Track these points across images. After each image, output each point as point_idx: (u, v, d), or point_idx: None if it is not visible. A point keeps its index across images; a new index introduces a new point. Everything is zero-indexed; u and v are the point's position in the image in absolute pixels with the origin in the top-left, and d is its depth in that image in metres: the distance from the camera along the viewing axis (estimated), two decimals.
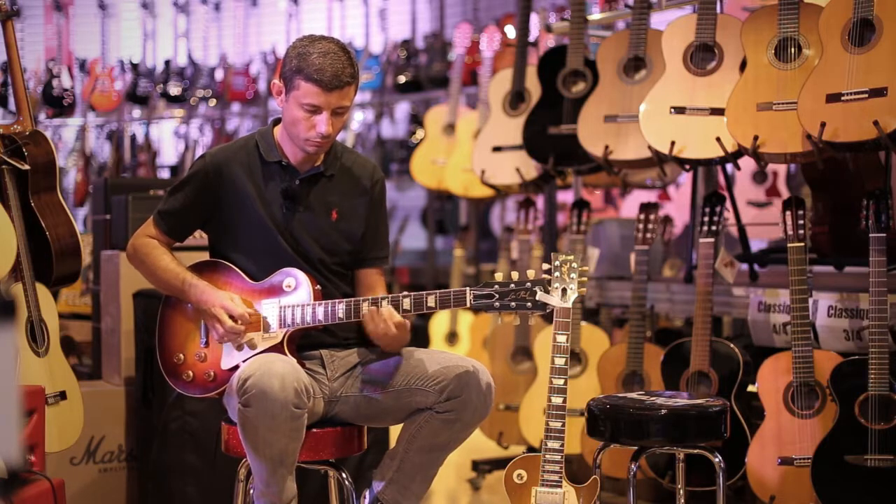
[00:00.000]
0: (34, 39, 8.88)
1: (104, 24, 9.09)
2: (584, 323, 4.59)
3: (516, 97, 4.91)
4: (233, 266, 3.10)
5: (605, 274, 4.93)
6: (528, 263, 5.02)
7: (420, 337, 6.60)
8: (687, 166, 4.15)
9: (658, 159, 4.00)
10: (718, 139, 3.79)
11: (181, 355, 3.09)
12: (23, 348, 3.35)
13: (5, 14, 3.55)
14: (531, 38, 5.57)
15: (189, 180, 3.12)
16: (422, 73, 7.98)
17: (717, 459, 3.19)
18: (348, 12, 8.75)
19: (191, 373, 3.07)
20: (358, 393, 3.05)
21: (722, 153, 3.81)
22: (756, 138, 3.64)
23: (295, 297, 3.01)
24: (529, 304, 2.85)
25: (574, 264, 2.95)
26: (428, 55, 8.01)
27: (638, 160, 4.18)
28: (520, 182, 4.80)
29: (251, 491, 2.99)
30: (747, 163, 4.91)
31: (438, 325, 6.65)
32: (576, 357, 4.50)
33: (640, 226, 4.21)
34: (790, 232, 3.65)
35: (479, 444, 5.00)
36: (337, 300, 2.99)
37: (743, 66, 3.81)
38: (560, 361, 3.01)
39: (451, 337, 6.62)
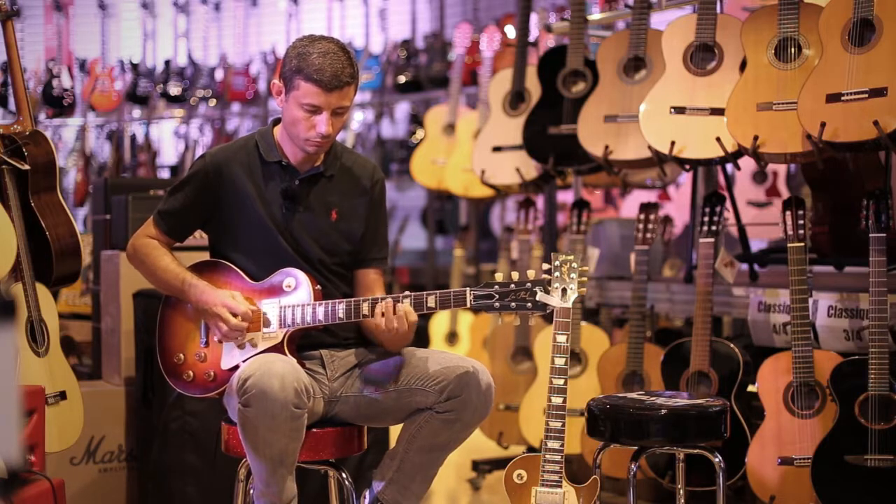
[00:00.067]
0: (34, 39, 8.88)
1: (104, 24, 9.09)
2: (584, 323, 4.59)
3: (516, 97, 4.91)
4: (233, 266, 3.10)
5: (605, 274, 4.93)
6: (528, 263, 5.02)
7: (420, 337, 6.57)
8: (687, 166, 4.15)
9: (658, 159, 4.00)
10: (718, 139, 3.79)
11: (181, 355, 3.09)
12: (23, 348, 3.35)
13: (5, 14, 3.55)
14: (531, 38, 5.57)
15: (189, 180, 3.12)
16: (422, 73, 7.97)
17: (717, 459, 3.19)
18: (348, 12, 8.75)
19: (191, 373, 3.07)
20: (358, 393, 3.05)
21: (722, 153, 3.81)
22: (756, 138, 3.64)
23: (295, 297, 3.01)
24: (529, 304, 2.85)
25: (574, 264, 2.95)
26: (428, 55, 8.01)
27: (638, 160, 4.18)
28: (520, 182, 4.80)
29: (251, 491, 2.99)
30: (747, 163, 4.91)
31: (438, 325, 6.65)
32: (576, 357, 4.50)
33: (640, 226, 4.21)
34: (790, 232, 3.65)
35: (479, 444, 5.00)
36: (337, 300, 2.99)
37: (743, 66, 3.81)
38: (560, 361, 3.01)
39: (451, 337, 6.63)
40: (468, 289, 2.88)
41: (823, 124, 3.44)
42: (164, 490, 3.88)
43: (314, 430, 2.97)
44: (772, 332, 3.95)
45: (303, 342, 3.07)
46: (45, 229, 3.52)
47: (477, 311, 4.86)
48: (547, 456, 3.01)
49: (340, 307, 2.97)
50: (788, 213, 3.67)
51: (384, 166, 7.96)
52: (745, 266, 4.23)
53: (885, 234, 3.49)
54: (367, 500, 3.06)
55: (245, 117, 9.05)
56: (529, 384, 4.75)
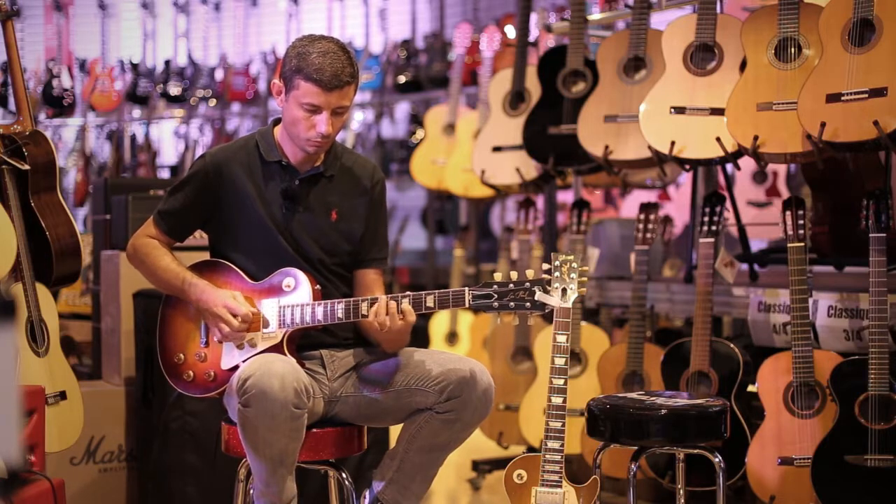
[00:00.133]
0: (34, 39, 8.88)
1: (104, 24, 9.09)
2: (584, 323, 4.59)
3: (516, 97, 4.91)
4: (233, 266, 3.10)
5: (605, 274, 4.93)
6: (528, 263, 5.02)
7: (420, 337, 6.60)
8: (687, 166, 4.15)
9: (658, 159, 4.00)
10: (718, 139, 3.79)
11: (181, 355, 3.09)
12: (23, 348, 3.35)
13: (5, 14, 3.55)
14: (531, 38, 5.57)
15: (189, 180, 3.12)
16: (422, 73, 7.97)
17: (717, 459, 3.19)
18: (348, 12, 8.75)
19: (191, 373, 3.07)
20: (358, 393, 3.05)
21: (722, 153, 3.81)
22: (756, 138, 3.64)
23: (295, 297, 3.01)
24: (528, 304, 2.85)
25: (574, 264, 2.95)
26: (428, 55, 8.01)
27: (638, 160, 4.18)
28: (520, 182, 4.80)
29: (251, 491, 2.99)
30: (747, 163, 4.91)
31: (438, 325, 6.65)
32: (576, 357, 4.50)
33: (640, 226, 4.21)
34: (790, 232, 3.65)
35: (479, 444, 5.00)
36: (336, 300, 2.99)
37: (743, 66, 3.81)
38: (560, 361, 3.01)
39: (451, 337, 6.63)
40: (467, 289, 2.88)
41: (823, 124, 3.44)
42: (164, 490, 3.88)
43: (314, 430, 2.97)
44: (772, 332, 3.95)
45: (303, 342, 3.07)
46: (45, 229, 3.52)
47: (476, 311, 4.85)
48: (547, 456, 3.01)
49: (339, 307, 2.97)
50: (788, 213, 3.67)
51: (384, 166, 7.96)
52: (745, 266, 4.23)
53: (885, 234, 3.49)
54: (367, 500, 3.06)
55: (245, 117, 9.05)
56: (529, 384, 4.75)
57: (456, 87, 7.24)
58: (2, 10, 3.54)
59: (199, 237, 3.31)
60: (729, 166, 4.33)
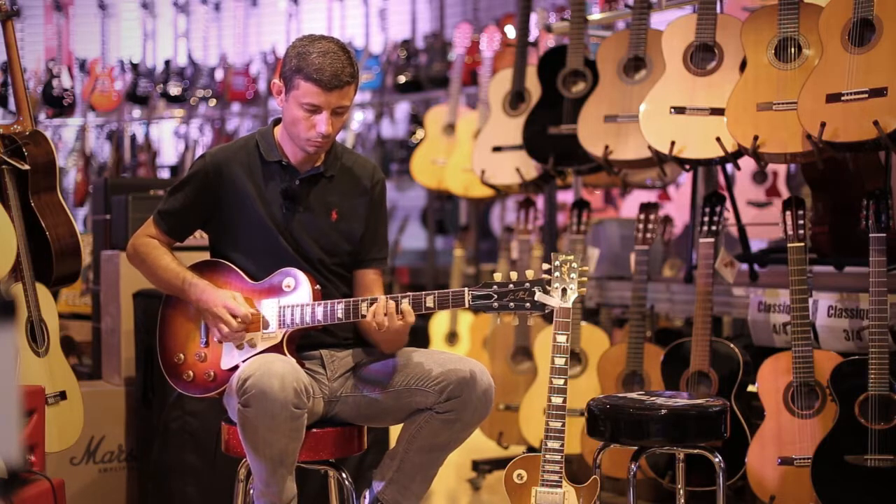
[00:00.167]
0: (34, 39, 8.89)
1: (104, 24, 9.09)
2: (584, 323, 4.59)
3: (516, 97, 4.91)
4: (233, 266, 3.10)
5: (605, 274, 4.93)
6: (528, 263, 5.02)
7: (420, 337, 6.60)
8: (687, 166, 4.15)
9: (658, 159, 4.00)
10: (718, 139, 3.79)
11: (181, 355, 3.09)
12: (23, 348, 3.35)
13: (5, 14, 3.55)
14: (531, 38, 5.57)
15: (189, 180, 3.12)
16: (422, 73, 7.97)
17: (717, 459, 3.19)
18: (348, 12, 8.75)
19: (191, 373, 3.07)
20: (358, 393, 3.05)
21: (722, 153, 3.81)
22: (756, 138, 3.64)
23: (294, 297, 3.01)
24: (528, 304, 2.84)
25: (574, 264, 2.94)
26: (428, 55, 8.01)
27: (638, 160, 4.18)
28: (520, 182, 4.80)
29: (251, 491, 2.99)
30: (747, 163, 4.91)
31: (438, 325, 6.65)
32: (576, 357, 4.50)
33: (640, 226, 4.21)
34: (790, 232, 3.65)
35: (479, 444, 5.00)
36: (336, 300, 2.99)
37: (743, 66, 3.81)
38: (560, 361, 3.01)
39: (451, 337, 6.63)
40: (466, 289, 2.88)
41: (823, 124, 3.44)
42: (164, 490, 3.88)
43: (314, 430, 2.97)
44: (772, 332, 3.95)
45: (302, 342, 3.07)
46: (45, 229, 3.52)
47: (476, 312, 4.86)
48: (547, 456, 3.01)
49: (339, 307, 2.97)
50: (788, 213, 3.67)
51: (384, 166, 7.96)
52: (745, 266, 4.23)
53: (885, 234, 3.49)
54: (367, 500, 3.06)
55: (245, 117, 9.05)
56: (529, 384, 4.75)
57: (456, 87, 7.24)
58: (2, 10, 3.54)
59: (199, 237, 3.31)
60: (729, 166, 4.33)
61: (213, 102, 8.93)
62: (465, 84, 7.41)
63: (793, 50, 3.67)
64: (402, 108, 8.40)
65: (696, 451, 3.23)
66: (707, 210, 3.95)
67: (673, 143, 3.87)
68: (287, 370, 2.81)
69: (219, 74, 8.90)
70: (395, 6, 8.70)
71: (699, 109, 3.89)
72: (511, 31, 7.04)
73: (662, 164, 4.04)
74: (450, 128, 7.09)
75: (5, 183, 3.44)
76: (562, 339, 3.00)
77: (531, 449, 4.64)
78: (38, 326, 3.42)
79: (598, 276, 4.87)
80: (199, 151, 8.57)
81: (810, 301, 3.70)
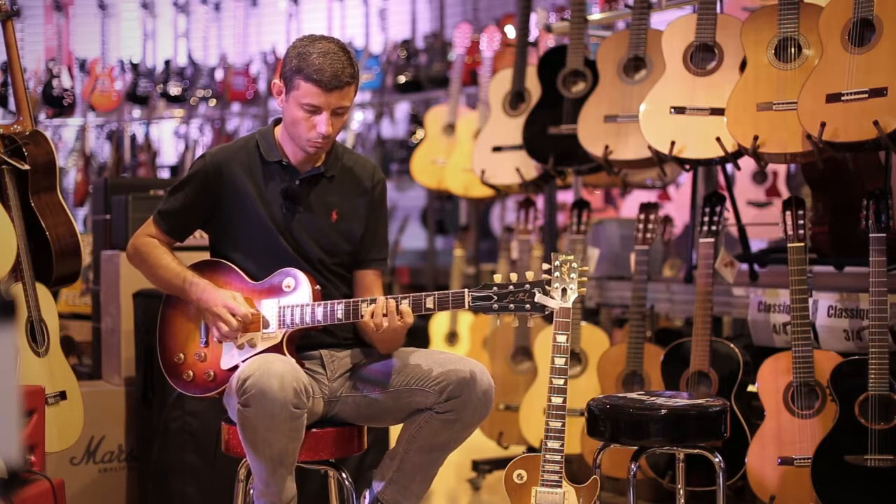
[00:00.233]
0: (34, 39, 8.88)
1: (104, 24, 9.09)
2: (584, 323, 4.59)
3: (516, 97, 4.91)
4: (233, 266, 3.10)
5: (605, 274, 4.93)
6: (528, 263, 5.02)
7: (420, 337, 6.60)
8: (687, 166, 4.15)
9: (658, 159, 4.00)
10: (718, 139, 3.79)
11: (181, 355, 3.09)
12: (23, 348, 3.35)
13: (5, 14, 3.55)
14: (531, 38, 5.57)
15: (189, 180, 3.12)
16: (422, 73, 7.97)
17: (717, 459, 3.19)
18: (348, 12, 8.75)
19: (191, 372, 3.07)
20: (358, 393, 3.05)
21: (722, 153, 3.81)
22: (756, 138, 3.64)
23: (294, 297, 3.01)
24: (528, 305, 2.84)
25: (574, 264, 2.94)
26: (428, 55, 8.01)
27: (638, 160, 4.18)
28: (520, 182, 4.80)
29: (251, 491, 2.99)
30: (747, 163, 4.91)
31: (438, 325, 6.65)
32: (576, 357, 4.50)
33: (640, 226, 4.21)
34: (790, 232, 3.65)
35: (479, 444, 5.00)
36: (336, 301, 2.99)
37: (743, 66, 3.81)
38: (560, 361, 3.01)
39: (451, 337, 6.63)
40: (466, 290, 2.88)
41: (823, 124, 3.44)
42: (164, 490, 3.88)
43: (314, 430, 2.97)
44: (772, 332, 3.95)
45: (302, 342, 3.07)
46: (45, 229, 3.52)
47: (476, 312, 4.86)
48: (547, 456, 3.01)
49: (339, 308, 2.97)
50: (788, 213, 3.67)
51: (384, 166, 7.96)
52: (745, 266, 4.23)
53: (885, 234, 3.49)
54: (367, 500, 3.06)
55: (245, 117, 9.05)
56: (529, 384, 4.75)
57: (456, 87, 7.24)
58: (2, 10, 3.54)
59: (199, 237, 3.31)
60: (729, 166, 4.33)
61: (213, 102, 8.93)
62: (465, 84, 7.41)
63: (793, 50, 3.67)
64: (402, 108, 8.40)
65: (696, 451, 3.23)
66: (707, 210, 3.95)
67: (673, 143, 3.88)
68: (287, 370, 2.81)
69: (219, 74, 8.90)
70: (395, 6, 8.70)
71: (699, 109, 3.89)
72: (511, 31, 7.04)
73: (662, 164, 4.04)
74: (450, 128, 7.09)
75: (5, 183, 3.44)
76: (562, 339, 3.00)
77: (531, 449, 4.64)
78: (38, 326, 3.42)
79: (598, 276, 4.87)
80: (199, 151, 8.57)
81: (810, 301, 3.70)
